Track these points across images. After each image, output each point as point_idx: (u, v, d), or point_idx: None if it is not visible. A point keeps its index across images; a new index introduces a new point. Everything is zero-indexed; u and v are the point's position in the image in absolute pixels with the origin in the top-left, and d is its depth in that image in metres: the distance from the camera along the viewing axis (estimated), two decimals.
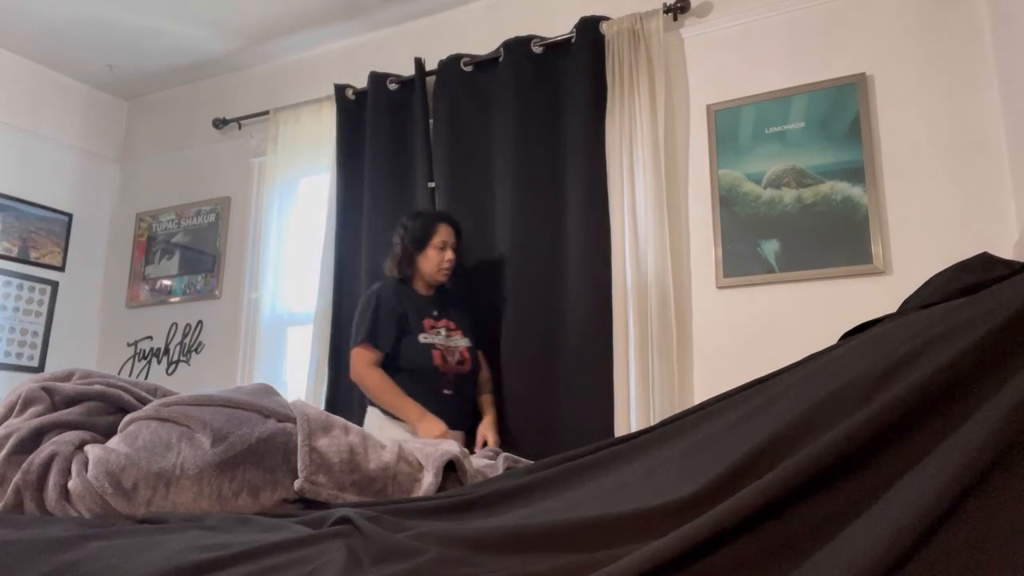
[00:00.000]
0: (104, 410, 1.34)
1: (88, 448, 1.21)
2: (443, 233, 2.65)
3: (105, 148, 4.34)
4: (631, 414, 2.64)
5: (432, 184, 3.21)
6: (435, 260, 2.63)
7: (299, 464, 1.23)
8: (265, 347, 3.56)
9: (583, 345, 2.76)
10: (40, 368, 3.91)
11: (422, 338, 2.56)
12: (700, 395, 2.68)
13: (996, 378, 0.65)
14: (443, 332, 2.61)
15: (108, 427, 1.31)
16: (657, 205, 2.76)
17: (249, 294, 3.72)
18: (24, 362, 3.84)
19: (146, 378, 3.95)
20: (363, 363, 2.54)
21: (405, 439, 1.59)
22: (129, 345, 4.07)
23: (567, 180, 2.96)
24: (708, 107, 2.86)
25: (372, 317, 2.56)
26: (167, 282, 4.01)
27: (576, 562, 0.66)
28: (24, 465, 1.17)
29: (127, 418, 1.27)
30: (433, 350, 2.56)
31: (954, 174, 2.47)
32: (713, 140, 2.83)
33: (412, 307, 2.61)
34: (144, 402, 1.39)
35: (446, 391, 2.57)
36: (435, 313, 2.65)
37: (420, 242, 2.63)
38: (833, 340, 1.75)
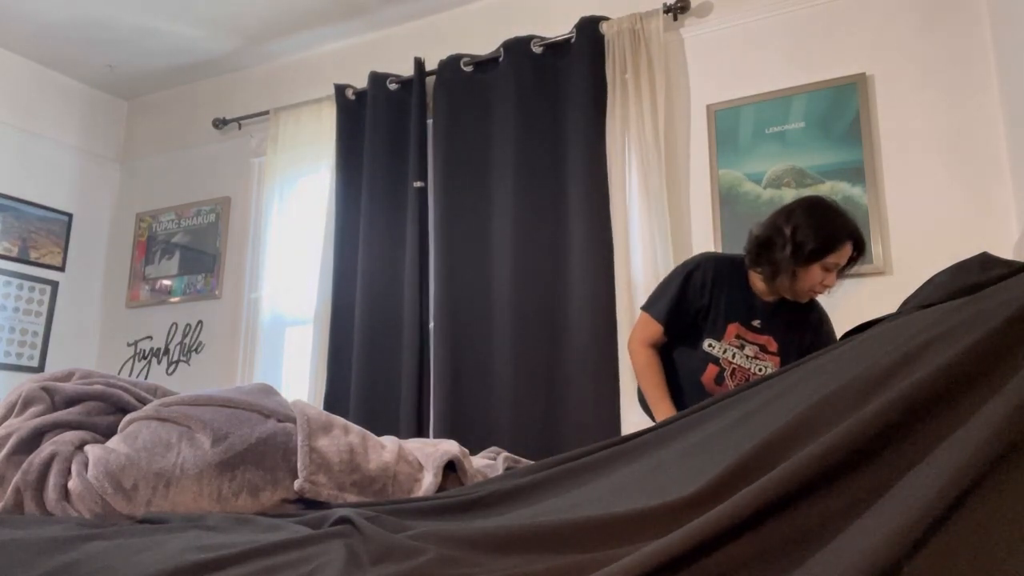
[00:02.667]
0: (104, 410, 1.34)
1: (88, 448, 1.20)
2: (843, 253, 1.94)
3: (105, 148, 4.34)
4: (635, 414, 2.64)
5: (419, 184, 3.20)
6: (814, 280, 1.95)
7: (299, 464, 1.23)
8: (265, 347, 3.56)
9: (587, 345, 2.76)
10: (40, 368, 3.91)
11: (707, 344, 2.05)
12: None
13: (996, 378, 0.65)
14: (748, 350, 2.05)
15: (108, 427, 1.31)
16: (657, 205, 2.76)
17: (249, 294, 3.72)
18: (24, 362, 3.84)
19: (146, 378, 3.95)
20: (638, 336, 2.11)
21: None
22: (129, 345, 4.06)
23: (567, 181, 2.96)
24: (708, 107, 2.86)
25: (673, 295, 2.05)
26: (167, 282, 4.01)
27: (576, 562, 0.66)
28: (24, 465, 1.17)
29: (127, 418, 1.27)
30: (711, 363, 2.05)
31: (954, 174, 2.46)
32: (713, 140, 2.83)
33: (728, 302, 2.05)
34: (144, 402, 1.39)
35: None
36: (756, 323, 2.06)
37: (812, 254, 1.92)
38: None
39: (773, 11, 2.82)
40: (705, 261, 2.09)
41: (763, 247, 1.99)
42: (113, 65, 4.07)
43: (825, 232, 1.92)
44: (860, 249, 1.98)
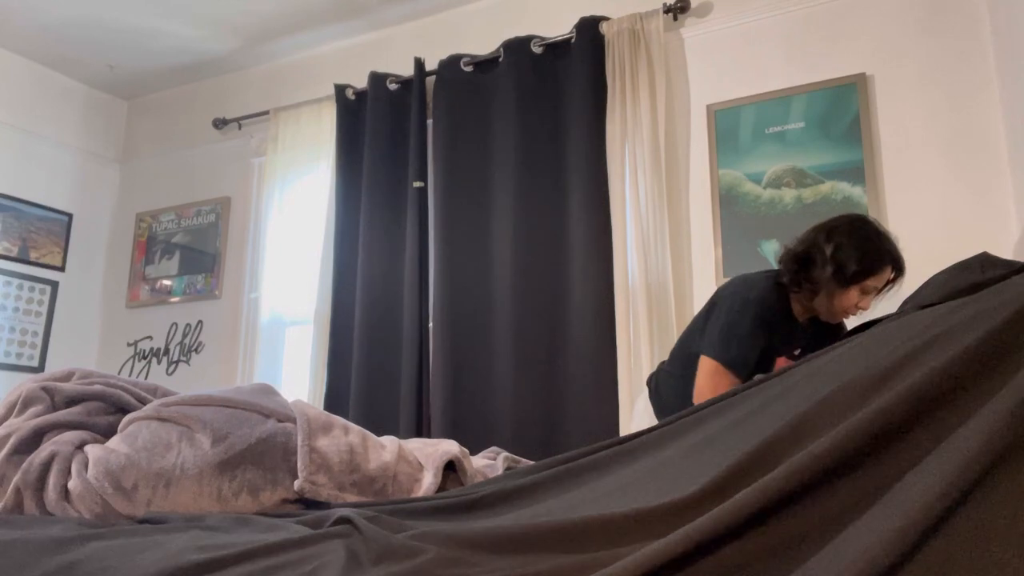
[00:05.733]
0: (104, 410, 1.34)
1: (88, 448, 1.20)
2: (883, 277, 1.89)
3: (105, 148, 4.34)
4: (635, 414, 2.64)
5: (418, 184, 3.20)
6: (850, 302, 1.89)
7: (299, 464, 1.23)
8: (265, 347, 3.56)
9: (586, 345, 2.76)
10: (40, 368, 3.91)
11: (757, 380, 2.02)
12: None
13: (996, 378, 0.65)
14: None
15: (108, 427, 1.31)
16: (657, 205, 2.76)
17: (249, 294, 3.72)
18: (24, 362, 3.84)
19: (146, 378, 3.95)
20: (714, 387, 1.91)
21: None
22: (129, 345, 4.06)
23: (567, 181, 2.96)
24: (708, 107, 2.86)
25: (745, 335, 1.88)
26: (167, 282, 4.01)
27: (577, 562, 0.66)
28: (24, 465, 1.17)
29: (127, 418, 1.27)
30: None
31: (954, 174, 2.46)
32: (713, 140, 2.83)
33: (780, 334, 1.96)
34: (144, 402, 1.39)
35: None
36: (797, 352, 2.02)
37: (854, 276, 1.85)
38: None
39: (773, 11, 2.82)
40: (763, 296, 1.93)
41: (801, 264, 1.91)
42: (113, 65, 4.07)
43: (868, 255, 1.84)
44: (899, 272, 1.91)
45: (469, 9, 3.48)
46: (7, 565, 0.79)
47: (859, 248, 1.85)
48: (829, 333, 2.06)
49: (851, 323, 2.16)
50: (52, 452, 1.19)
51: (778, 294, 1.94)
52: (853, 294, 1.88)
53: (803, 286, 1.90)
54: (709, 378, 1.92)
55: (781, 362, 1.98)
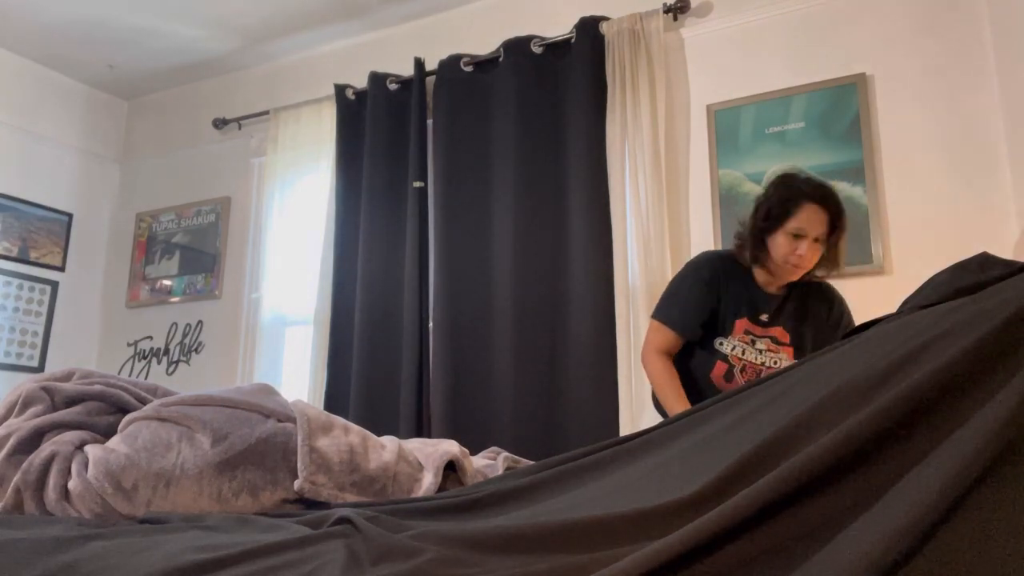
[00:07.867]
0: (104, 410, 1.34)
1: (88, 448, 1.20)
2: (804, 217, 1.89)
3: (105, 148, 4.34)
4: (634, 414, 2.64)
5: (418, 184, 3.20)
6: (783, 250, 1.92)
7: (299, 464, 1.23)
8: (265, 347, 3.56)
9: (586, 345, 2.76)
10: (40, 368, 3.91)
11: (717, 343, 2.04)
12: None
13: (996, 378, 0.65)
14: (760, 344, 2.03)
15: (108, 427, 1.31)
16: (657, 205, 2.76)
17: (249, 294, 3.72)
18: (24, 362, 3.84)
19: (146, 378, 3.95)
20: (652, 346, 2.06)
21: None
22: (129, 345, 4.06)
23: (567, 181, 2.96)
24: (708, 107, 2.86)
25: (687, 300, 2.03)
26: (167, 282, 4.01)
27: (576, 562, 0.66)
28: (24, 465, 1.17)
29: (127, 418, 1.27)
30: (719, 360, 2.03)
31: (954, 174, 2.47)
32: (713, 140, 2.83)
33: (734, 298, 2.03)
34: (144, 402, 1.39)
35: None
36: (764, 318, 2.04)
37: (774, 220, 1.92)
38: None
39: (773, 11, 2.82)
40: (709, 260, 2.08)
41: (740, 226, 2.05)
42: (113, 65, 4.07)
43: (784, 196, 1.92)
44: (832, 212, 1.92)
45: (469, 9, 3.48)
46: (7, 565, 0.79)
47: (778, 193, 1.95)
48: (813, 304, 2.08)
49: (843, 315, 2.15)
50: (52, 452, 1.19)
51: (731, 261, 2.07)
52: (782, 240, 1.93)
53: (748, 248, 2.00)
54: (649, 335, 2.10)
55: (741, 324, 2.03)
